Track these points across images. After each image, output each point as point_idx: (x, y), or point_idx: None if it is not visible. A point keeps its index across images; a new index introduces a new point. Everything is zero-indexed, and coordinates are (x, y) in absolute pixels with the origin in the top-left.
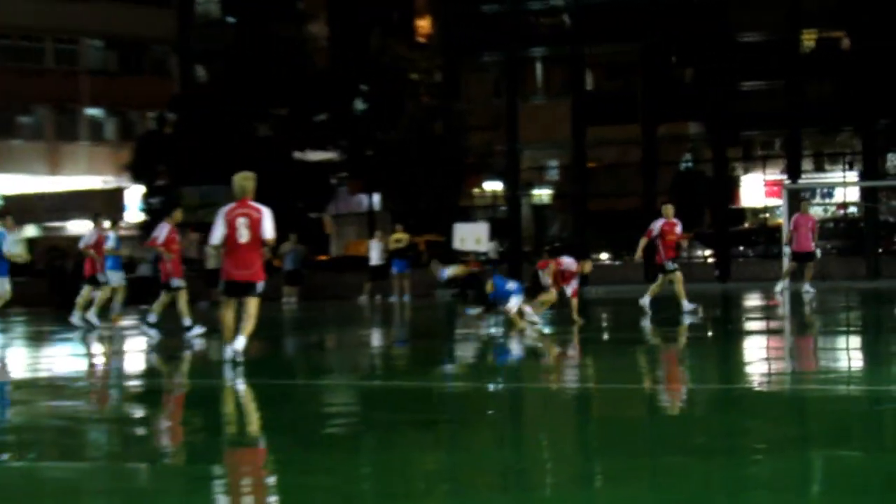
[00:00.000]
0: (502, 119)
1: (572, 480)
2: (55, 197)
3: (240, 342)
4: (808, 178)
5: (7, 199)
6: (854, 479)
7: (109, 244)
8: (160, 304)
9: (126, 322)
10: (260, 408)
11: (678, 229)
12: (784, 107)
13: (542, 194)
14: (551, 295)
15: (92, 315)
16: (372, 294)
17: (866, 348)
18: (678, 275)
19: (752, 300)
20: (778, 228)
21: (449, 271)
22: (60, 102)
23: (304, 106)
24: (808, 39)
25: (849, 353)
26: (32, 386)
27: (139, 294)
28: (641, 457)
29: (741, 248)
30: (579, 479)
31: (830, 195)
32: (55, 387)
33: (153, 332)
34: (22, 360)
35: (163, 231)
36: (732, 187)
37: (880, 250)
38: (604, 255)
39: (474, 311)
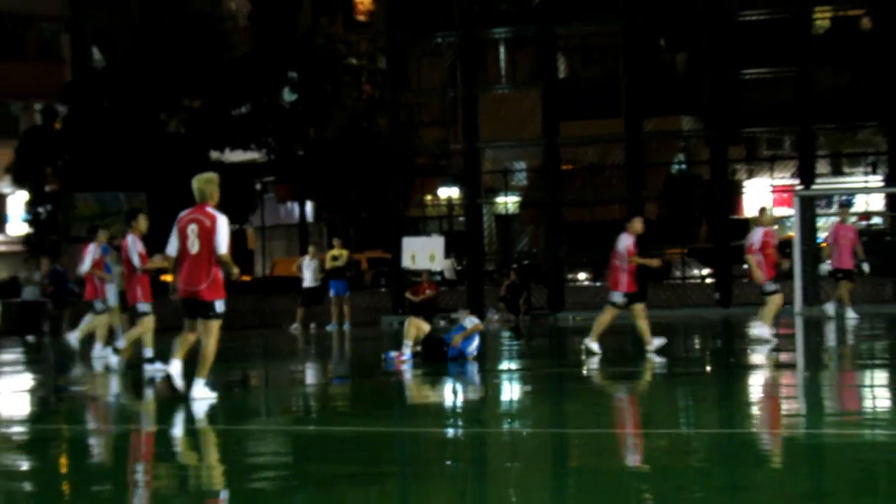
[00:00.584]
0: (459, 113)
1: None
2: None
3: (195, 390)
4: (823, 183)
5: None
6: None
7: None
8: (132, 335)
9: None
10: (170, 458)
11: (774, 241)
12: (794, 98)
13: (508, 202)
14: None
15: None
16: (305, 322)
17: None
18: (778, 299)
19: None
20: (788, 243)
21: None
22: None
23: (222, 97)
24: (822, 18)
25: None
26: None
27: (26, 320)
28: None
29: (745, 266)
30: None
31: (850, 203)
32: None
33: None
34: None
35: (137, 245)
36: (734, 194)
37: None
38: (581, 276)
39: (396, 353)
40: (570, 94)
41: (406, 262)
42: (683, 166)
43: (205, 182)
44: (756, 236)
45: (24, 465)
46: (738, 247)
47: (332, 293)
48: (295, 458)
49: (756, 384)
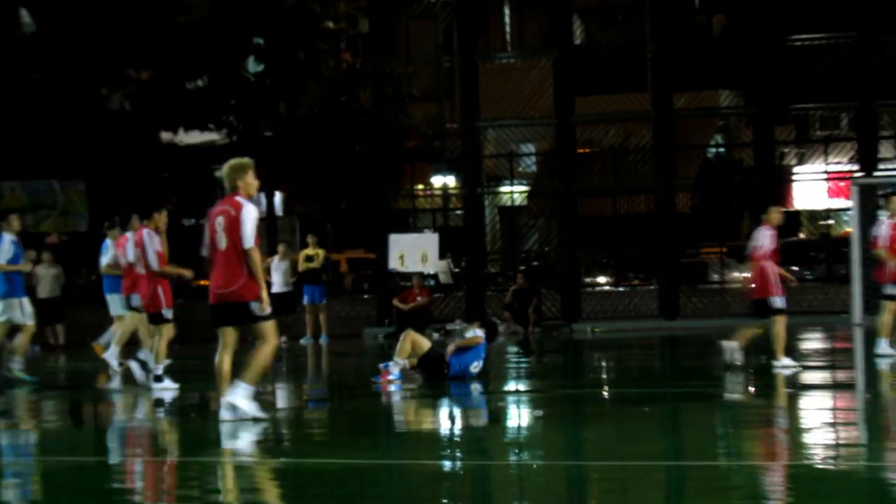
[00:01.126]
0: (455, 85)
1: None
2: None
3: (236, 392)
4: (886, 170)
5: None
6: None
7: None
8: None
9: None
10: (124, 495)
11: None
12: (853, 69)
13: (514, 192)
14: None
15: None
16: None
17: None
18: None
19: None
20: (846, 240)
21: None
22: None
23: (175, 67)
24: None
25: None
26: None
27: None
28: None
29: (794, 268)
30: None
31: None
32: None
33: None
34: None
35: (154, 241)
36: (781, 182)
37: None
38: (601, 279)
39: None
40: (588, 63)
41: (393, 264)
42: (721, 149)
43: (231, 169)
44: (883, 227)
45: None
46: (785, 245)
47: (305, 300)
48: (263, 497)
49: (808, 407)
